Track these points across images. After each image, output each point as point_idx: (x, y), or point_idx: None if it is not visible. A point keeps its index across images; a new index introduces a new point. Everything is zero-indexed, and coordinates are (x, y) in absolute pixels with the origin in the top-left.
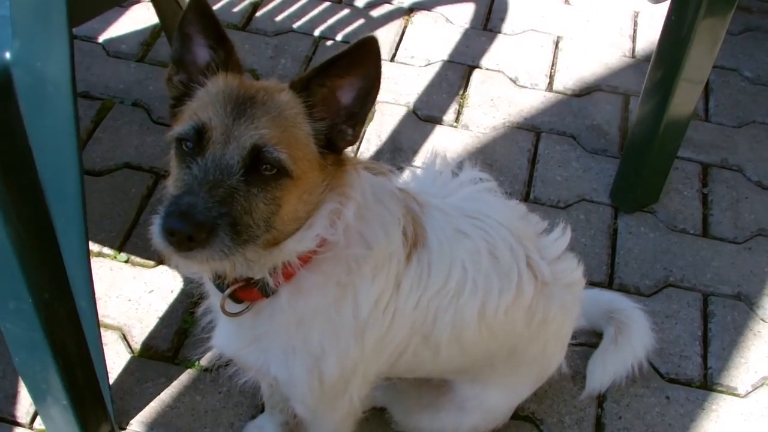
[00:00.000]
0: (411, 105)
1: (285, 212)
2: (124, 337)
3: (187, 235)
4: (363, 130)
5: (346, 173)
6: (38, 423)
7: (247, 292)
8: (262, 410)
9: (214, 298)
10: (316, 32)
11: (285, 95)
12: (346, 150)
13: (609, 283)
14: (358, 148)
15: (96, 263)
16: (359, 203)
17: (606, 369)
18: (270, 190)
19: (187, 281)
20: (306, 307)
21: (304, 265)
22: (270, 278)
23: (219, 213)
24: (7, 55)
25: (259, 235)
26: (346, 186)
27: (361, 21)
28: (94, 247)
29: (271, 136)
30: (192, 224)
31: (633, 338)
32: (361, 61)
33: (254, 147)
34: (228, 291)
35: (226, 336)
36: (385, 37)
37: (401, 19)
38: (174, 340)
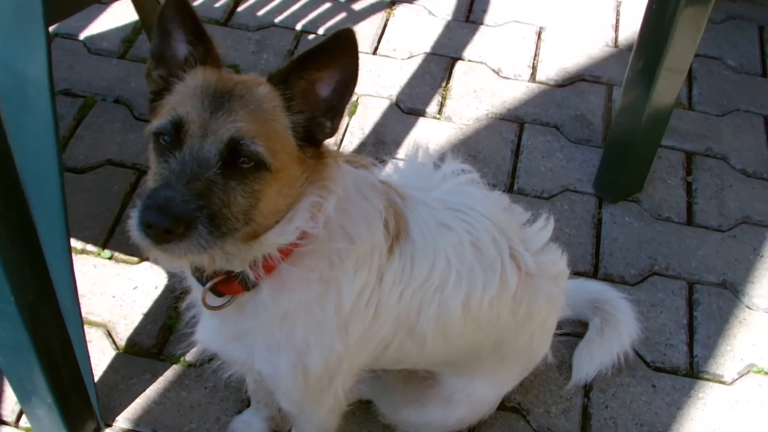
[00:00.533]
0: (394, 98)
1: (264, 205)
2: (109, 334)
3: (164, 229)
4: (344, 122)
5: (327, 166)
6: (24, 421)
7: (228, 285)
8: (248, 405)
9: (197, 292)
10: (298, 26)
11: (263, 89)
12: (327, 143)
13: (594, 273)
14: (342, 141)
15: (80, 260)
16: (340, 196)
17: (592, 359)
18: (248, 183)
19: (170, 276)
20: (289, 303)
21: (286, 259)
22: (250, 271)
23: (197, 206)
24: None
25: (238, 228)
26: (327, 179)
27: (343, 14)
28: (77, 244)
29: (248, 129)
30: (169, 217)
31: (619, 328)
32: (339, 53)
33: (231, 140)
34: (208, 284)
35: (210, 331)
36: (368, 30)
37: (383, 12)
38: (159, 336)
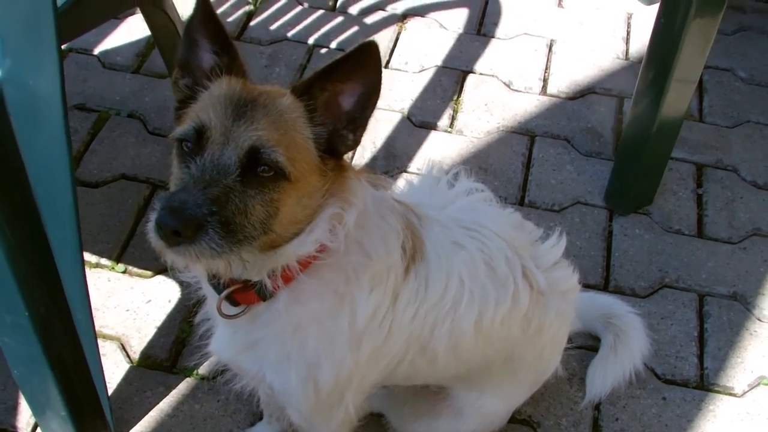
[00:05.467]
0: (405, 111)
1: (283, 215)
2: (123, 347)
3: (174, 230)
4: (363, 136)
5: (348, 180)
6: None
7: (245, 295)
8: (260, 418)
9: (212, 302)
10: (311, 40)
11: (286, 99)
12: (345, 159)
13: (605, 285)
14: (353, 154)
15: (94, 274)
16: (360, 211)
17: (606, 377)
18: (267, 192)
19: (184, 289)
20: (303, 314)
21: (304, 271)
22: (268, 281)
23: (209, 211)
24: None
25: (256, 236)
26: (348, 192)
27: (355, 28)
28: (91, 258)
29: (269, 138)
30: (179, 219)
31: (631, 345)
32: (362, 66)
33: (252, 148)
34: (225, 292)
35: (223, 341)
36: (379, 43)
37: (395, 25)
38: (172, 349)
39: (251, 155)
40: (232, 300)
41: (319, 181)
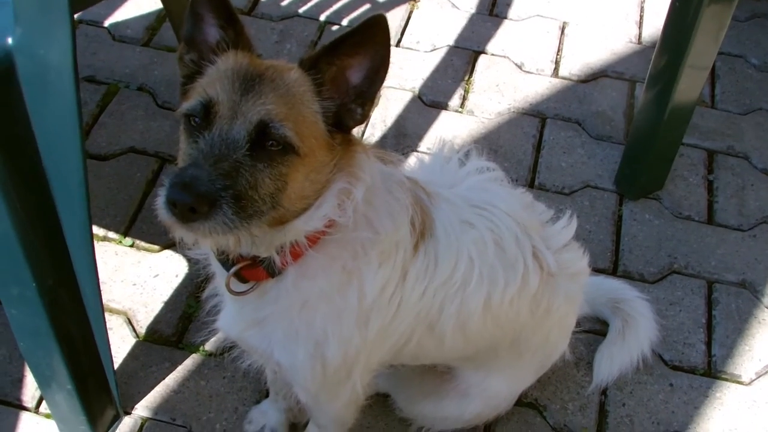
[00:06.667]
0: (416, 90)
1: (292, 190)
2: (129, 322)
3: (188, 206)
4: (371, 110)
5: (356, 155)
6: (44, 407)
7: (253, 271)
8: (266, 395)
9: (220, 278)
10: (322, 17)
11: (294, 73)
12: (354, 134)
13: (613, 270)
14: (364, 133)
15: (101, 247)
16: (368, 185)
17: (613, 362)
18: (276, 166)
19: (191, 264)
20: (310, 290)
21: (312, 246)
22: (277, 257)
23: (223, 185)
24: (10, 41)
25: (265, 211)
26: (356, 167)
27: (366, 6)
28: (99, 231)
29: (277, 113)
30: (194, 195)
31: (639, 331)
32: (370, 40)
33: (261, 122)
34: (234, 269)
35: (231, 317)
36: (391, 21)
37: (407, 3)
38: (178, 324)
39: (260, 129)
40: (240, 277)
41: (327, 156)
